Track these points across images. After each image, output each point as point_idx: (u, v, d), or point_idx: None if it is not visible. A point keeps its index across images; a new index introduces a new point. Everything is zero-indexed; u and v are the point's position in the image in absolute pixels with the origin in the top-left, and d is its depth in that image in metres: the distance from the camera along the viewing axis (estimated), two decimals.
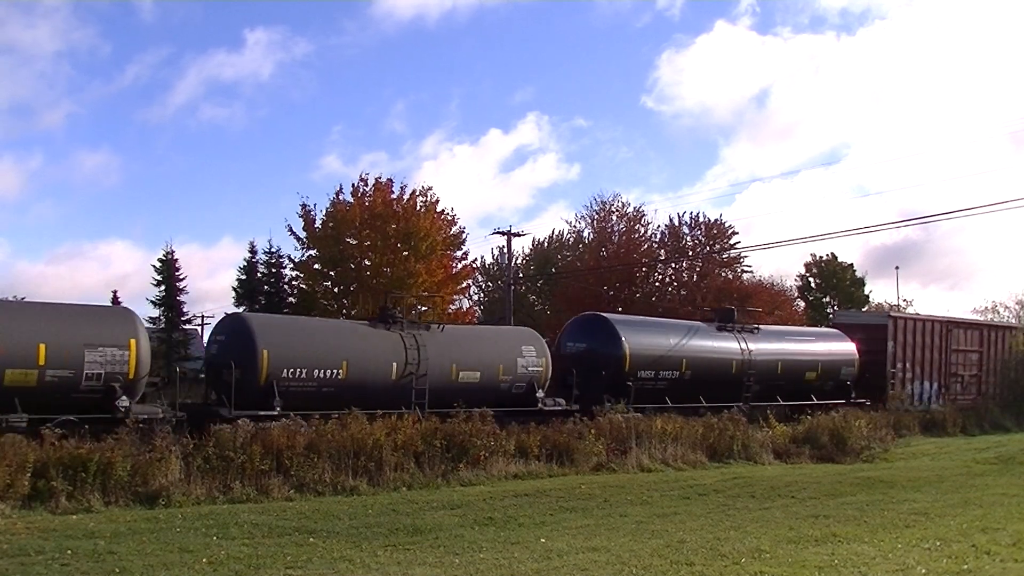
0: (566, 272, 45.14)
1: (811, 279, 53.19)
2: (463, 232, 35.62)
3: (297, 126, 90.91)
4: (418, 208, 33.23)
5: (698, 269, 42.63)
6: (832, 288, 52.55)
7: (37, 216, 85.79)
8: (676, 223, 42.58)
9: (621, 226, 43.41)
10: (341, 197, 33.13)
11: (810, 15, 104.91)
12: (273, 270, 34.67)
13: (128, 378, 16.50)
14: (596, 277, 40.51)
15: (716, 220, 42.79)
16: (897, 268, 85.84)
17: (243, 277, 34.61)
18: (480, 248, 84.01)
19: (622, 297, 40.45)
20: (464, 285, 39.38)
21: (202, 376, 20.98)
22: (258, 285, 34.31)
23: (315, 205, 33.26)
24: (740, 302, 33.94)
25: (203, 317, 49.14)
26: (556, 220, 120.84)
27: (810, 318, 43.18)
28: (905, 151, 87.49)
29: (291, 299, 34.35)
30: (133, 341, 16.71)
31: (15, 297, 26.30)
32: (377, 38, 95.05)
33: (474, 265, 39.87)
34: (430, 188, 34.06)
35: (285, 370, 18.03)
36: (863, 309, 48.42)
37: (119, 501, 12.66)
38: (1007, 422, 29.70)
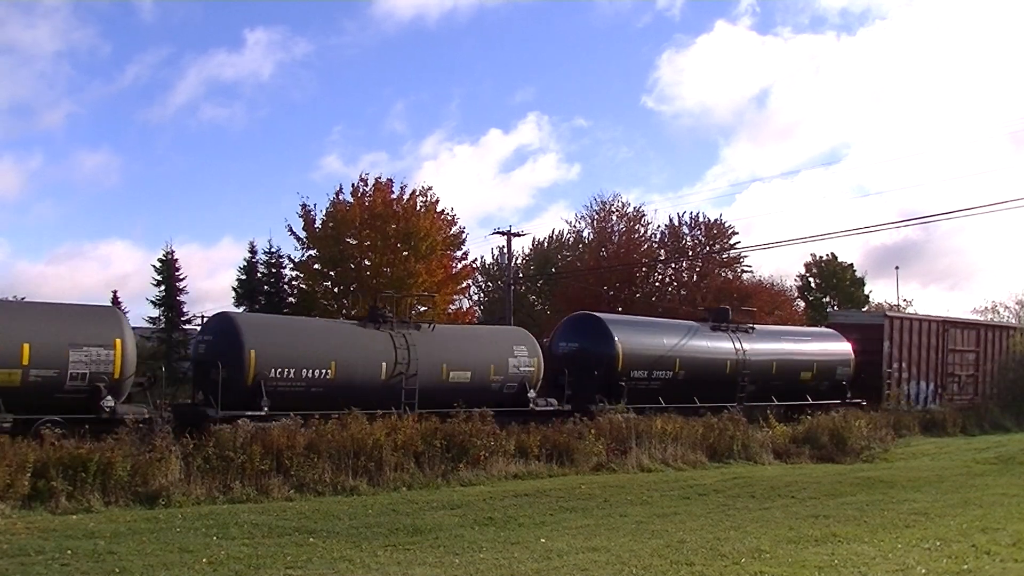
0: (566, 272, 45.14)
1: (811, 279, 53.20)
2: (463, 232, 35.67)
3: (297, 126, 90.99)
4: (418, 208, 33.23)
5: (698, 269, 42.64)
6: (832, 288, 52.55)
7: (37, 216, 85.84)
8: (676, 223, 42.64)
9: (621, 226, 43.43)
10: (341, 197, 33.18)
11: (810, 15, 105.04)
12: (273, 270, 34.70)
13: (113, 378, 16.40)
14: (596, 277, 40.51)
15: (716, 220, 42.88)
16: (897, 268, 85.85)
17: (243, 277, 34.63)
18: (480, 248, 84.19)
19: (622, 297, 40.45)
20: (464, 285, 39.40)
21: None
22: (258, 285, 34.33)
23: (315, 205, 33.32)
24: (740, 302, 33.92)
25: (203, 317, 48.89)
26: (556, 220, 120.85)
27: (810, 318, 43.15)
28: (905, 151, 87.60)
29: (291, 299, 34.35)
30: (118, 341, 16.58)
31: (15, 297, 26.30)
32: (377, 38, 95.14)
33: (474, 265, 39.90)
34: (430, 188, 34.12)
35: (273, 370, 17.91)
36: (863, 309, 48.39)
37: (119, 501, 12.66)
38: (1007, 422, 29.67)
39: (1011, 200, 33.41)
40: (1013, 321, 45.77)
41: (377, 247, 32.32)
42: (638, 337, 23.63)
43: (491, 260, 50.98)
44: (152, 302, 33.43)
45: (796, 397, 26.45)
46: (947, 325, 32.00)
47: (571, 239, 48.96)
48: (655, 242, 43.30)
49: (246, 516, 11.79)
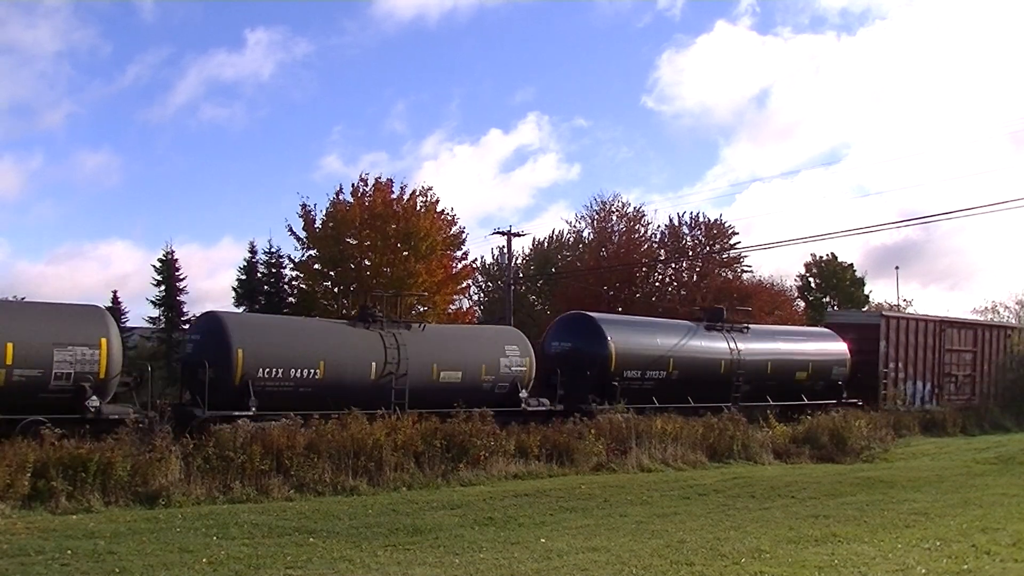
0: (566, 272, 45.12)
1: (811, 279, 53.19)
2: (463, 232, 35.64)
3: (297, 126, 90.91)
4: (418, 208, 33.21)
5: (698, 269, 42.61)
6: (832, 288, 52.53)
7: (37, 216, 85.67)
8: (676, 223, 42.59)
9: (621, 226, 43.41)
10: (341, 197, 33.14)
11: (810, 15, 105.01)
12: (273, 270, 34.65)
13: (99, 378, 16.19)
14: (596, 277, 40.49)
15: (716, 220, 42.81)
16: (897, 268, 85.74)
17: (243, 277, 34.59)
18: (480, 248, 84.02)
19: (622, 297, 40.44)
20: (464, 285, 39.37)
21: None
22: (258, 285, 34.29)
23: (315, 205, 33.24)
24: (740, 302, 33.87)
25: None
26: (556, 220, 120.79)
27: (810, 318, 43.14)
28: (905, 151, 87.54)
29: (291, 299, 34.33)
30: (104, 340, 16.37)
31: (15, 297, 26.24)
32: (378, 38, 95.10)
33: (474, 265, 39.86)
34: (430, 188, 34.07)
35: (261, 370, 17.77)
36: (863, 309, 48.39)
37: (119, 501, 12.66)
38: (1007, 422, 29.69)
39: (1011, 200, 33.41)
40: (1013, 321, 45.75)
41: (377, 247, 32.31)
42: (631, 337, 23.49)
43: (491, 260, 51.00)
44: (152, 302, 33.41)
45: (791, 397, 26.31)
46: (944, 325, 31.87)
47: (571, 239, 48.96)
48: (655, 242, 43.27)
49: (246, 516, 11.79)
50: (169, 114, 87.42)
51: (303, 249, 33.70)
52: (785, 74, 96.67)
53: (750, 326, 26.89)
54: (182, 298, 33.90)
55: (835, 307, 48.96)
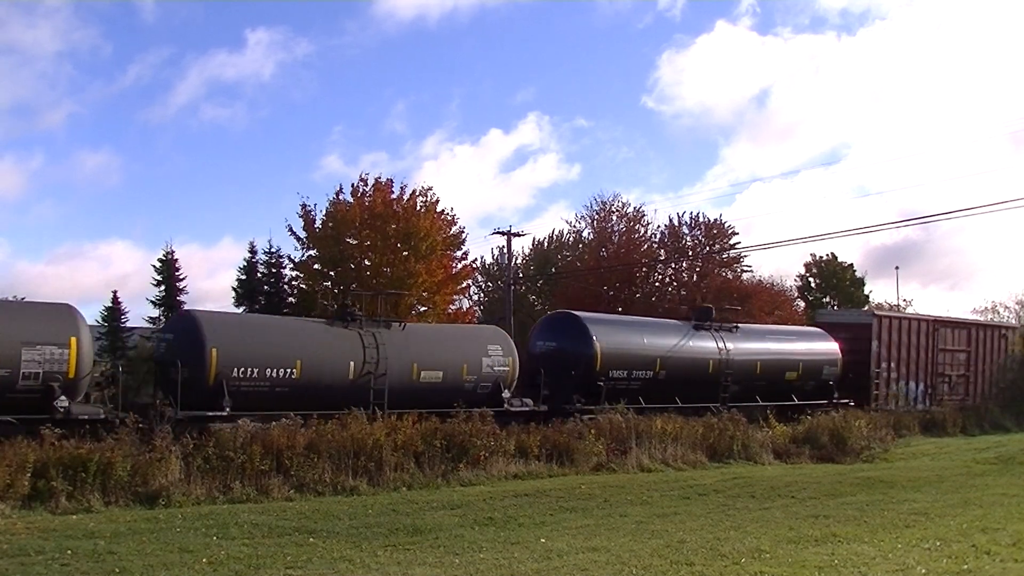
0: (566, 272, 45.12)
1: (811, 279, 53.17)
2: (463, 232, 35.62)
3: (298, 126, 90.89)
4: (418, 208, 33.19)
5: (698, 269, 42.63)
6: (832, 288, 52.50)
7: (37, 216, 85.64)
8: (676, 223, 42.61)
9: (621, 226, 43.41)
10: (341, 197, 33.14)
11: (810, 15, 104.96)
12: (273, 270, 34.60)
13: (68, 377, 15.73)
14: (596, 277, 40.50)
15: (716, 220, 42.83)
16: (897, 268, 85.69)
17: (243, 277, 34.53)
18: (480, 248, 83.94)
19: (622, 297, 40.46)
20: (464, 285, 39.37)
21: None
22: (258, 285, 34.25)
23: (315, 205, 33.19)
24: (740, 302, 33.81)
25: None
26: (556, 220, 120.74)
27: (810, 318, 43.16)
28: (905, 151, 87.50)
29: (291, 299, 34.33)
30: (74, 339, 15.93)
31: (15, 297, 26.18)
32: (378, 38, 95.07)
33: (474, 265, 39.85)
34: (430, 188, 34.03)
35: (235, 369, 17.37)
36: (863, 309, 48.37)
37: (119, 501, 12.67)
38: (1007, 422, 29.68)
39: (1011, 200, 33.29)
40: (1013, 321, 45.72)
41: (377, 247, 32.30)
42: (617, 336, 23.14)
43: (491, 260, 50.99)
44: (152, 302, 33.31)
45: (781, 397, 26.01)
46: (937, 324, 31.63)
47: (571, 239, 48.97)
48: (655, 242, 43.27)
49: (246, 516, 11.80)
50: (170, 114, 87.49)
51: (303, 249, 33.71)
52: (785, 74, 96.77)
53: (739, 325, 26.51)
54: (182, 298, 33.79)
55: (835, 307, 48.93)
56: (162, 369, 18.10)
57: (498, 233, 39.38)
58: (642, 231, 43.31)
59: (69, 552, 9.38)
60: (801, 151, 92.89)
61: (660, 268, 43.00)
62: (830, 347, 28.04)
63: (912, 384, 30.08)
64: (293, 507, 12.80)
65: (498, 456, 16.53)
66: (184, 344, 17.63)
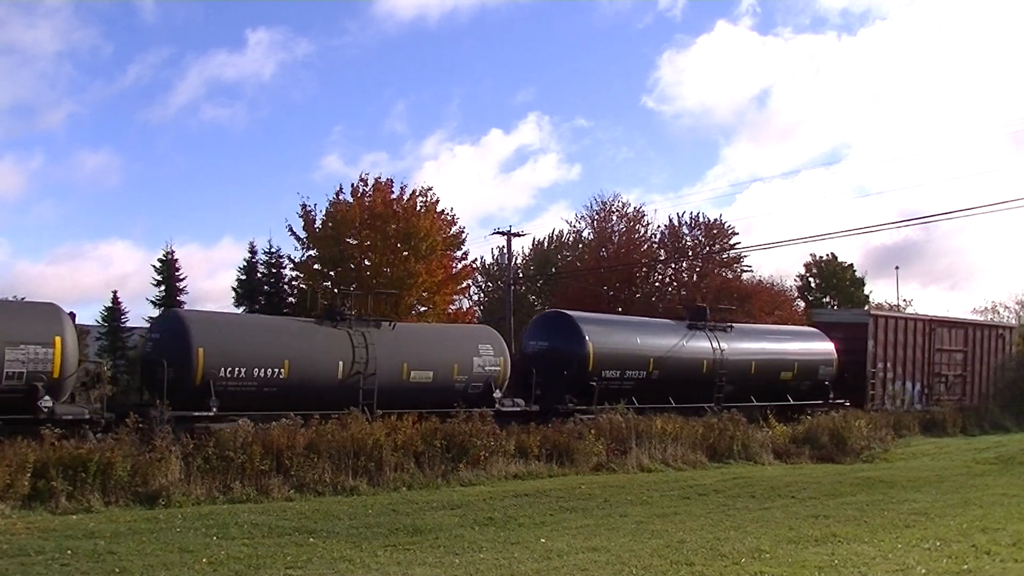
0: (566, 272, 45.10)
1: (811, 279, 53.15)
2: (463, 232, 35.62)
3: (298, 126, 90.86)
4: (418, 208, 33.20)
5: (698, 269, 42.60)
6: (832, 288, 52.48)
7: (37, 216, 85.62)
8: (676, 223, 42.58)
9: (621, 226, 43.38)
10: (341, 197, 33.14)
11: (811, 15, 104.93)
12: (273, 270, 34.61)
13: (52, 377, 15.59)
14: (596, 277, 40.48)
15: (716, 220, 42.78)
16: (897, 268, 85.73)
17: (243, 277, 34.54)
18: (480, 248, 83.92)
19: (622, 297, 40.44)
20: (464, 285, 39.37)
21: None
22: (258, 285, 34.26)
23: (315, 205, 33.18)
24: (740, 302, 33.80)
25: None
26: (556, 220, 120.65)
27: (809, 318, 43.15)
28: (905, 151, 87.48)
29: (291, 299, 34.33)
30: (58, 338, 15.72)
31: (15, 297, 26.16)
32: (378, 38, 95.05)
33: (474, 265, 39.86)
34: (430, 188, 34.03)
35: (222, 369, 17.28)
36: (859, 309, 48.34)
37: (119, 501, 12.67)
38: (1007, 422, 29.68)
39: (1011, 200, 33.26)
40: (1013, 321, 45.71)
41: (377, 247, 32.30)
42: (610, 336, 22.99)
43: (491, 260, 50.97)
44: (152, 302, 33.30)
45: (776, 397, 25.87)
46: (934, 324, 31.52)
47: (571, 239, 48.94)
48: (655, 242, 43.25)
49: (246, 516, 11.80)
50: (170, 114, 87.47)
51: (303, 249, 33.71)
52: (785, 74, 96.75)
53: (734, 325, 26.37)
54: (182, 298, 33.81)
55: (835, 307, 48.91)
56: (149, 369, 17.95)
57: (498, 233, 39.39)
58: (642, 231, 43.30)
59: (69, 552, 9.38)
60: (801, 151, 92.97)
61: (660, 268, 42.97)
62: (826, 347, 27.94)
63: (908, 384, 30.01)
64: (293, 507, 12.81)
65: (498, 456, 16.53)
66: (170, 344, 17.50)
